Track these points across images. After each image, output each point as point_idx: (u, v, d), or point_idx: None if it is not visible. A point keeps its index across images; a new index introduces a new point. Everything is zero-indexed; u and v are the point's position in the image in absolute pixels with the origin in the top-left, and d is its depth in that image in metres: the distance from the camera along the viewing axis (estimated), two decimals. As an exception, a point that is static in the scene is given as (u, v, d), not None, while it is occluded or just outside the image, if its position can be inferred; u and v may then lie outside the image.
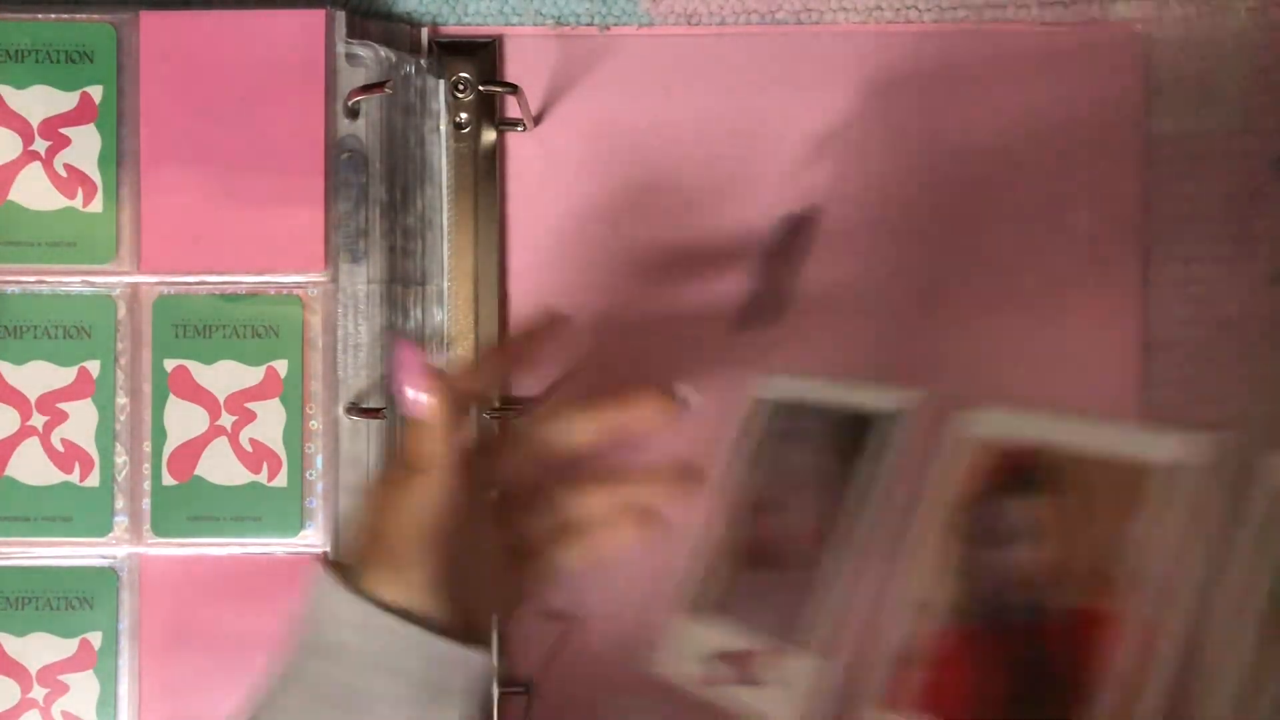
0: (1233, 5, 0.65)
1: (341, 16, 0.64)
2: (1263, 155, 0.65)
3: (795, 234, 0.64)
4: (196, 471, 0.64)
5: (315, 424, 0.64)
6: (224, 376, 0.64)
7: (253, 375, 0.64)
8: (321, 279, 0.64)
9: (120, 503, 0.64)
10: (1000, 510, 0.38)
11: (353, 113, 0.64)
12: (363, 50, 0.64)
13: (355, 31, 0.65)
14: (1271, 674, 0.34)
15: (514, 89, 0.64)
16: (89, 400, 0.64)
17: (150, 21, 0.64)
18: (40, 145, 0.64)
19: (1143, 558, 0.35)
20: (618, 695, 0.59)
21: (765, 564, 0.45)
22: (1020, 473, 0.38)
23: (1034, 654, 0.36)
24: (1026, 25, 0.65)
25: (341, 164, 0.64)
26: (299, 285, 0.64)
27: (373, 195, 0.64)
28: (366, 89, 0.63)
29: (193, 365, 0.64)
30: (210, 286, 0.64)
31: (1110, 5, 0.65)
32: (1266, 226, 0.65)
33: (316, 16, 0.64)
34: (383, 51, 0.64)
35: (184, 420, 0.64)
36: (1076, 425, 0.38)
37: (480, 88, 0.65)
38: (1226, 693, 0.33)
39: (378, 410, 0.63)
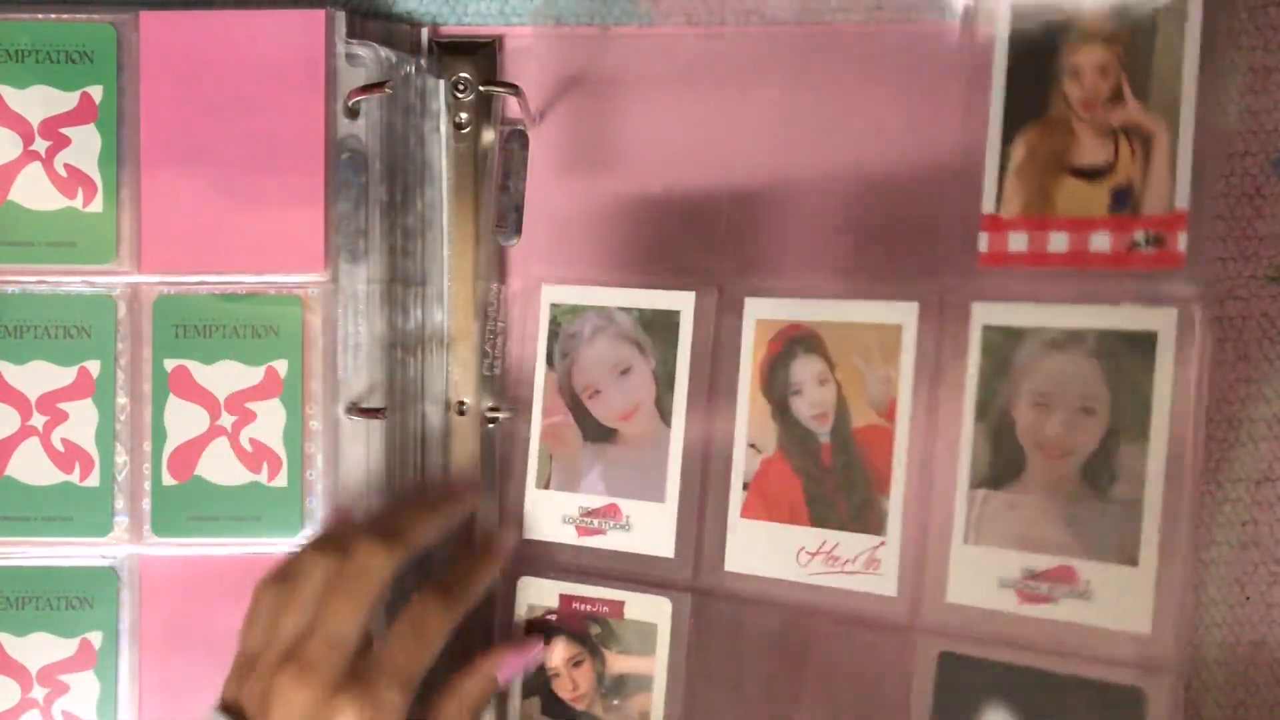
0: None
1: (341, 16, 0.64)
2: (1263, 155, 0.65)
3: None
4: (196, 471, 0.64)
5: (315, 424, 0.64)
6: (224, 376, 0.64)
7: (253, 375, 0.64)
8: (321, 279, 0.64)
9: (120, 503, 0.64)
10: (790, 369, 0.56)
11: (353, 113, 0.64)
12: (363, 50, 0.64)
13: (355, 31, 0.65)
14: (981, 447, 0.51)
15: (515, 89, 0.64)
16: (89, 400, 0.64)
17: (150, 21, 0.64)
18: (40, 145, 0.64)
19: (894, 390, 0.53)
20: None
21: (601, 438, 0.60)
22: (797, 342, 0.56)
23: (822, 465, 0.55)
24: (1027, 25, 0.65)
25: (341, 164, 0.64)
26: (299, 285, 0.64)
27: (373, 195, 0.64)
28: (366, 89, 0.63)
29: (193, 365, 0.64)
30: (210, 286, 0.64)
31: (1110, 5, 0.65)
32: (1266, 226, 0.65)
33: (316, 16, 0.64)
34: (383, 52, 0.64)
35: (184, 420, 0.64)
36: (821, 302, 0.56)
37: (480, 88, 0.65)
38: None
39: (377, 410, 0.63)
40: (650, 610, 0.59)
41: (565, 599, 0.61)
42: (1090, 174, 0.51)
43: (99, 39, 0.64)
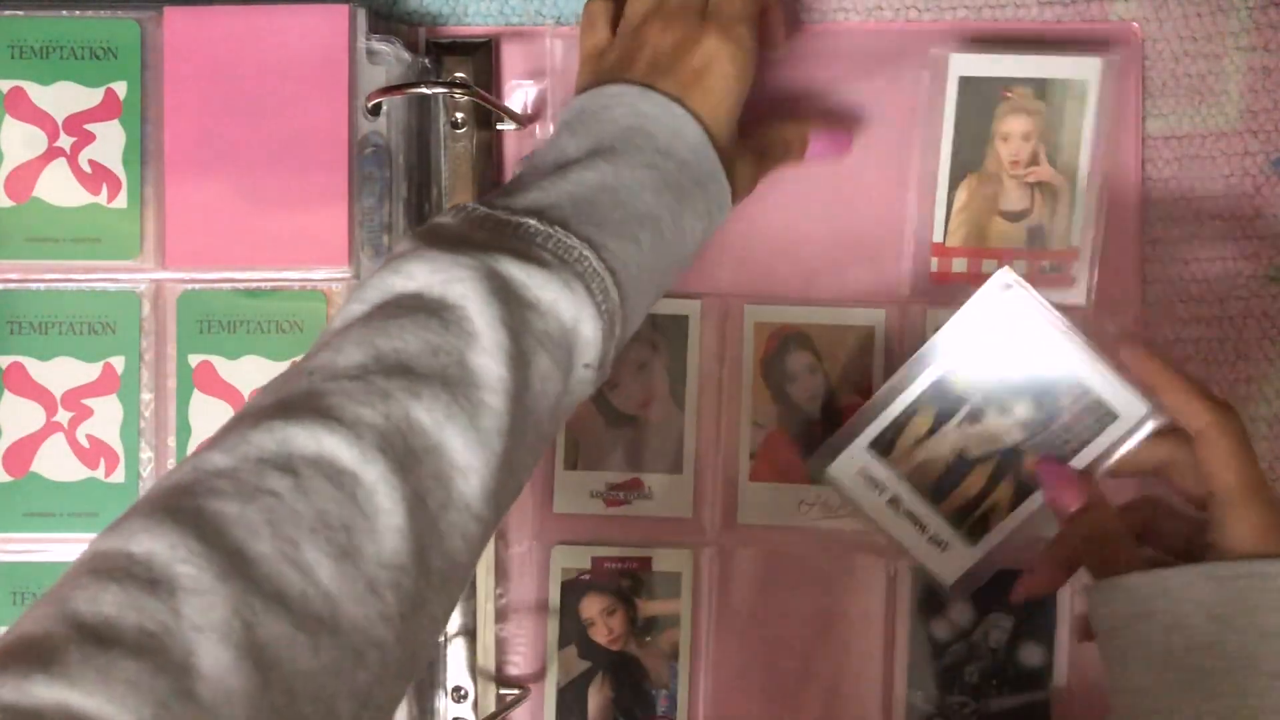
0: (1233, 5, 0.66)
1: (363, 13, 0.64)
2: (1263, 155, 0.67)
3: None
4: (221, 466, 0.64)
5: (339, 419, 0.64)
6: (248, 371, 0.65)
7: (277, 370, 0.64)
8: (345, 274, 0.64)
9: (145, 498, 0.65)
10: (785, 362, 0.67)
11: (375, 109, 0.64)
12: (384, 46, 0.64)
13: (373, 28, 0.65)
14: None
15: (469, 88, 0.63)
16: (114, 396, 0.65)
17: (174, 18, 0.64)
18: (65, 142, 0.64)
19: (871, 372, 0.67)
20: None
21: (622, 423, 0.68)
22: (790, 339, 0.67)
23: (816, 434, 0.66)
24: (1026, 25, 0.66)
25: (365, 159, 0.64)
26: (323, 281, 0.65)
27: (395, 190, 0.64)
28: (387, 90, 0.62)
29: (217, 360, 0.65)
30: (234, 282, 0.65)
31: (1110, 5, 0.66)
32: (1266, 226, 0.66)
33: (340, 12, 0.64)
34: (403, 49, 0.64)
35: (209, 415, 0.65)
36: (809, 308, 0.67)
37: (455, 89, 0.63)
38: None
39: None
40: (674, 561, 0.68)
41: (597, 560, 0.68)
42: (1013, 216, 0.66)
43: (123, 35, 0.64)
